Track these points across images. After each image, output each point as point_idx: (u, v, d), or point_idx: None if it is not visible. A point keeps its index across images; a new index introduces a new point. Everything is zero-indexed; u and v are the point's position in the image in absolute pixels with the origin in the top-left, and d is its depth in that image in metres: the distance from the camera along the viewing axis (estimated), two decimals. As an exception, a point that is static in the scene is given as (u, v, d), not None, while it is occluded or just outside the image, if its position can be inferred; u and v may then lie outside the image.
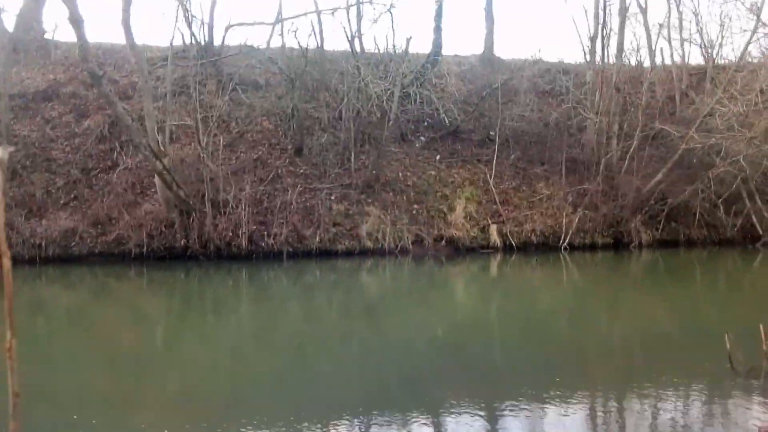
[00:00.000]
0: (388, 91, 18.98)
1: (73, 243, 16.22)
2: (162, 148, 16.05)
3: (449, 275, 15.49)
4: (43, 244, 15.99)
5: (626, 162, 18.58)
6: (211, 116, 17.82)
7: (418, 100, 20.72)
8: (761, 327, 4.97)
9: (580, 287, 13.72)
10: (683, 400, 5.83)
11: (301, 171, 18.49)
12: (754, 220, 18.51)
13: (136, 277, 15.00)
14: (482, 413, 5.50)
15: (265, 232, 16.56)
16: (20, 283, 14.38)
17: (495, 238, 17.68)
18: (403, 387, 6.32)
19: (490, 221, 18.05)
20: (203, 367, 7.29)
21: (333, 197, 17.85)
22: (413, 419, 5.34)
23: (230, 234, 16.24)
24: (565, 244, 17.70)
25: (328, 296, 12.63)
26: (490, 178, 18.97)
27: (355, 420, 5.37)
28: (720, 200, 18.35)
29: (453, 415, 5.41)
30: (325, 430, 5.19)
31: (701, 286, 13.70)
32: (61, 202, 17.29)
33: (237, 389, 6.44)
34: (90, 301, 12.46)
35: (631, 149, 18.55)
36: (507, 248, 17.56)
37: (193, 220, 16.17)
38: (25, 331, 9.46)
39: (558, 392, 5.94)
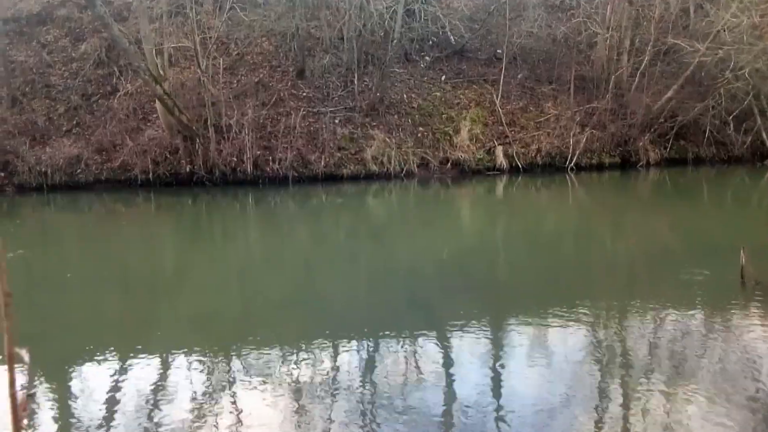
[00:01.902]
0: (391, 9, 18.32)
1: (79, 170, 16.22)
2: (161, 72, 15.73)
3: (455, 198, 15.50)
4: (48, 171, 16.00)
5: (636, 79, 18.15)
6: (210, 38, 17.35)
7: (422, 17, 20.03)
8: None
9: (586, 207, 13.73)
10: (687, 316, 5.93)
11: (304, 94, 18.17)
12: (764, 136, 18.25)
13: (144, 203, 15.09)
14: (488, 330, 5.63)
15: (270, 157, 16.48)
16: (30, 210, 14.52)
17: (501, 159, 17.55)
18: (410, 306, 6.45)
19: (496, 143, 17.86)
20: (214, 290, 7.44)
21: (337, 121, 17.62)
22: (420, 337, 5.48)
23: (235, 159, 16.18)
24: (572, 164, 17.58)
25: (334, 220, 12.70)
26: (497, 98, 18.61)
27: (363, 339, 5.51)
28: (730, 117, 18.03)
29: (459, 333, 5.54)
30: (333, 349, 5.33)
31: (708, 203, 13.68)
32: (64, 129, 17.16)
33: (247, 310, 6.59)
34: (100, 226, 12.59)
35: (642, 65, 18.06)
36: (513, 170, 17.46)
37: (197, 146, 16.07)
38: (38, 256, 9.65)
39: (563, 309, 6.05)
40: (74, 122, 17.34)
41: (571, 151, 17.66)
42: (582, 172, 17.45)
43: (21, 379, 4.72)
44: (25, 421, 4.08)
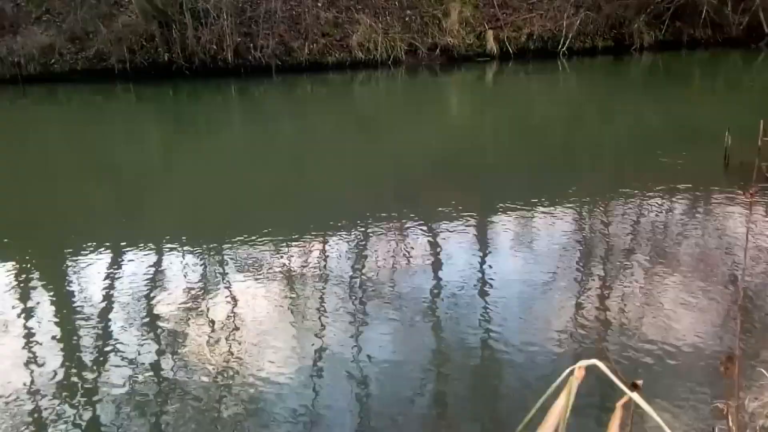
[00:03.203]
0: None
1: (53, 60, 15.58)
2: (131, -48, 14.70)
3: (443, 86, 15.17)
4: (22, 62, 15.36)
5: (635, -45, 17.23)
6: None
7: None
8: (761, 122, 4.94)
9: (576, 93, 13.52)
10: (670, 198, 6.02)
11: (285, -26, 17.16)
12: (762, 17, 17.68)
13: (123, 94, 14.66)
14: (475, 218, 5.70)
15: (251, 44, 15.84)
16: (7, 104, 14.09)
17: (492, 44, 16.99)
18: (398, 196, 6.48)
19: (486, 26, 17.20)
20: (200, 182, 7.41)
21: (320, 4, 16.79)
22: (408, 226, 5.54)
23: (214, 47, 15.54)
24: (564, 48, 17.08)
25: (320, 111, 12.46)
26: (488, -23, 17.69)
27: (352, 229, 5.57)
28: (730, -3, 17.36)
29: (446, 221, 5.61)
30: (322, 240, 5.40)
31: (700, 87, 13.50)
32: (33, 15, 16.27)
33: (235, 202, 6.60)
34: (81, 119, 12.29)
35: (642, -60, 17.08)
36: (504, 56, 16.96)
37: (173, 33, 15.37)
38: (20, 150, 9.48)
39: (549, 195, 6.11)
40: (44, 8, 16.41)
41: (564, 34, 17.10)
42: (574, 57, 17.00)
43: None
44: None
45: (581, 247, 4.99)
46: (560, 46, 17.09)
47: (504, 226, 5.53)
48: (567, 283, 4.35)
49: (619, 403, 0.75)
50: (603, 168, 7.44)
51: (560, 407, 0.76)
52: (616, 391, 0.91)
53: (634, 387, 0.90)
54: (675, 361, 3.33)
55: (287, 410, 3.07)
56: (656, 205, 5.89)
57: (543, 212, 5.75)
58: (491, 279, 4.48)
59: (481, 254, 4.96)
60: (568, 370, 0.80)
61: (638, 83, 14.33)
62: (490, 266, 4.72)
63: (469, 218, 5.66)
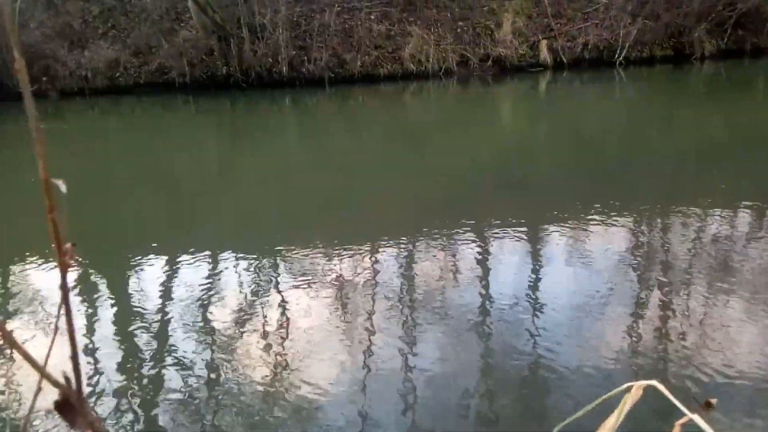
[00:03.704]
0: None
1: (118, 74, 16.30)
2: (192, -31, 15.28)
3: (495, 96, 15.07)
4: (89, 75, 16.13)
5: (696, -38, 16.76)
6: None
7: None
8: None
9: (633, 104, 13.19)
10: (733, 217, 5.79)
11: (339, -12, 17.47)
12: (834, 24, 16.88)
13: (183, 106, 15.17)
14: (526, 230, 5.63)
15: (305, 57, 16.17)
16: (77, 115, 14.80)
17: (545, 55, 16.81)
18: (449, 207, 6.47)
19: (540, 37, 17.03)
20: (255, 191, 7.58)
21: (373, 17, 17.00)
22: (458, 237, 5.52)
23: (270, 60, 15.94)
24: (621, 58, 16.72)
25: (372, 122, 12.58)
26: (542, -13, 17.53)
27: (401, 239, 5.59)
28: (798, 3, 16.65)
29: (497, 233, 5.56)
30: (372, 249, 5.44)
31: (765, 97, 12.96)
32: (100, 31, 17.08)
33: (288, 211, 6.73)
34: (143, 129, 12.79)
35: (703, -53, 16.60)
36: (557, 65, 16.74)
37: (232, 47, 15.84)
38: (87, 158, 9.93)
39: (604, 209, 5.97)
40: (109, 24, 17.21)
41: (620, 43, 16.75)
42: (631, 66, 16.61)
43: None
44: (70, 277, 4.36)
45: (637, 263, 4.85)
46: (617, 56, 16.74)
47: (557, 240, 5.43)
48: (622, 300, 4.24)
49: (679, 422, 0.74)
50: (661, 181, 7.23)
51: (609, 426, 0.75)
52: (673, 416, 0.90)
53: (707, 406, 0.87)
54: (736, 384, 3.19)
55: (334, 419, 3.10)
56: (718, 220, 5.68)
57: (597, 226, 5.63)
58: (542, 294, 4.41)
59: (532, 268, 4.89)
60: (623, 386, 0.79)
61: (699, 93, 13.87)
62: (542, 280, 4.64)
63: (520, 231, 5.59)
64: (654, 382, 0.83)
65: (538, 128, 11.34)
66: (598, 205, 6.09)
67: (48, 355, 0.53)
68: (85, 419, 0.46)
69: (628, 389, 0.83)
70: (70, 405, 0.47)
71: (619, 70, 16.39)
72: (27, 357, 0.44)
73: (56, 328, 0.54)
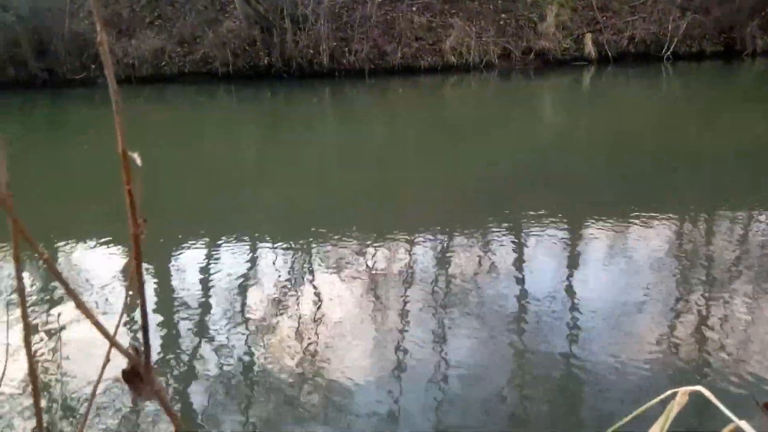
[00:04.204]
0: None
1: (163, 62, 16.64)
2: (237, -40, 15.47)
3: (537, 90, 14.87)
4: (136, 63, 16.51)
5: (751, -46, 16.16)
6: None
7: None
8: None
9: (679, 100, 12.85)
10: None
11: (381, -20, 17.44)
12: None
13: (225, 96, 15.42)
14: (565, 227, 5.56)
15: (346, 49, 16.21)
16: (124, 102, 15.16)
17: (589, 48, 16.47)
18: (486, 201, 6.43)
19: (585, 30, 16.69)
20: (293, 181, 7.67)
21: (414, 9, 16.92)
22: (496, 233, 5.50)
23: (311, 51, 16.04)
24: (669, 53, 16.27)
25: (411, 114, 12.56)
26: (589, -20, 17.17)
27: (438, 233, 5.59)
28: None
29: (535, 229, 5.51)
30: (408, 242, 5.45)
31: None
32: (147, 20, 17.46)
33: (325, 202, 6.79)
34: (187, 118, 13.05)
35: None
36: (602, 60, 16.40)
37: (274, 38, 16.00)
38: (130, 146, 10.18)
39: (645, 208, 5.85)
40: (156, 14, 17.57)
41: (668, 38, 16.30)
42: (679, 61, 16.16)
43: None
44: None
45: (677, 264, 4.75)
46: (664, 50, 16.31)
47: (595, 238, 5.35)
48: (660, 302, 4.15)
49: (726, 429, 0.73)
50: (705, 181, 7.03)
51: None
52: (712, 422, 0.89)
53: (766, 408, 0.86)
54: (779, 390, 3.11)
55: (365, 407, 3.14)
56: (763, 223, 5.51)
57: (637, 225, 5.52)
58: (579, 292, 4.36)
59: (569, 266, 4.84)
60: (668, 392, 0.79)
61: (749, 91, 13.41)
62: (579, 279, 4.59)
63: (558, 228, 5.53)
64: (700, 388, 0.83)
65: (580, 124, 11.15)
66: (638, 205, 5.97)
67: (118, 326, 0.56)
68: (152, 388, 0.49)
69: (674, 395, 0.83)
70: (137, 374, 0.50)
71: (666, 65, 15.97)
72: (99, 327, 0.48)
73: (127, 297, 0.57)
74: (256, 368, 3.55)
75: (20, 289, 0.51)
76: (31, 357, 0.51)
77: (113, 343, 0.48)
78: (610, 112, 11.90)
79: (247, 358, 3.66)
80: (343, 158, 9.11)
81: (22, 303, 0.51)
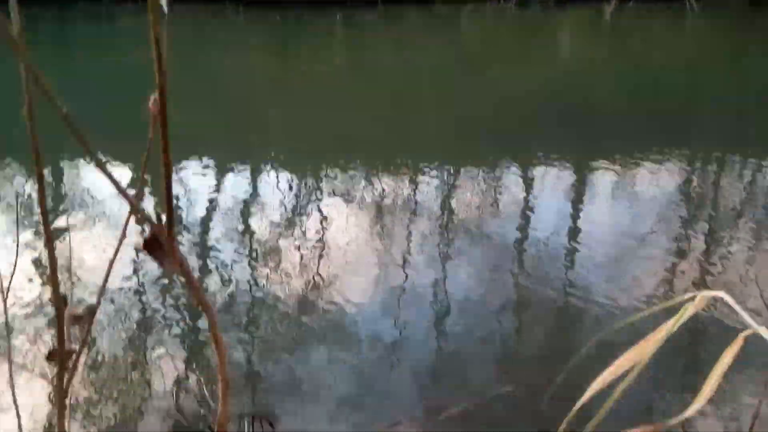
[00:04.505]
0: None
1: (170, -20, 16.11)
2: None
3: (555, 23, 14.39)
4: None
5: None
6: None
7: None
8: None
9: (703, 38, 12.44)
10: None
11: None
12: None
13: (233, 17, 15.01)
14: (574, 165, 5.50)
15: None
16: (131, 20, 14.82)
17: (612, -20, 15.81)
18: (497, 135, 6.34)
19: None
20: (302, 105, 7.54)
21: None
22: (504, 167, 5.45)
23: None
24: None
25: (424, 43, 12.21)
26: None
27: (446, 166, 5.54)
28: None
29: (544, 166, 5.45)
30: (415, 174, 5.40)
31: None
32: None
33: (335, 130, 6.66)
34: (192, 40, 12.75)
35: None
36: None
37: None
38: (135, 67, 9.99)
39: (658, 150, 5.76)
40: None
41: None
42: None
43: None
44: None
45: (684, 211, 4.70)
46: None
47: (604, 179, 5.29)
48: (662, 247, 4.11)
49: (743, 334, 0.72)
50: (724, 128, 6.87)
51: (662, 334, 0.74)
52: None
53: None
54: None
55: (366, 332, 3.18)
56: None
57: (649, 168, 5.44)
58: (581, 230, 4.34)
59: (574, 203, 4.81)
60: (688, 295, 0.77)
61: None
62: (582, 217, 4.57)
63: (567, 166, 5.47)
64: (722, 294, 0.80)
65: (598, 60, 10.85)
66: (651, 146, 5.87)
67: (140, 188, 0.53)
68: (175, 259, 0.47)
69: (692, 298, 0.81)
70: (158, 244, 0.48)
71: (691, 2, 15.36)
72: (121, 190, 0.45)
73: (148, 151, 0.54)
74: (258, 289, 3.58)
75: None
76: (47, 223, 0.49)
77: (135, 207, 0.45)
78: (630, 47, 11.56)
79: (249, 279, 3.69)
80: (352, 85, 8.93)
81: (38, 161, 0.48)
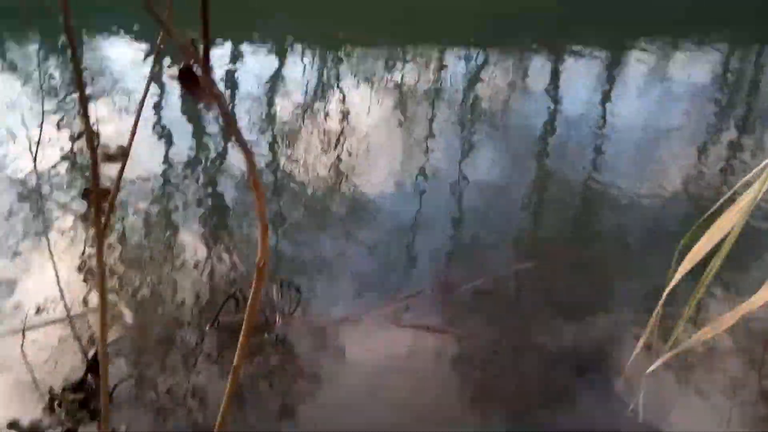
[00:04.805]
0: None
1: None
2: None
3: None
4: None
5: None
6: None
7: None
8: None
9: None
10: None
11: None
12: None
13: None
14: (606, 54, 5.25)
15: None
16: None
17: None
18: (520, 22, 5.83)
19: None
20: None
21: None
22: (534, 53, 5.17)
23: None
24: None
25: None
26: None
27: (469, 49, 5.21)
28: None
29: (574, 54, 5.21)
30: (439, 57, 5.15)
31: None
32: None
33: (353, 9, 6.17)
34: None
35: None
36: None
37: None
38: None
39: (692, 41, 5.40)
40: None
41: None
42: None
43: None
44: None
45: (713, 104, 4.47)
46: None
47: (635, 69, 5.01)
48: (688, 138, 3.96)
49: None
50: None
51: (749, 198, 0.69)
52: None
53: None
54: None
55: (387, 218, 3.11)
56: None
57: (682, 59, 5.15)
58: (607, 118, 4.17)
59: (604, 92, 4.60)
60: (765, 163, 0.72)
61: None
62: (611, 104, 4.39)
63: (598, 55, 5.18)
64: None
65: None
66: (685, 36, 5.48)
67: (169, 7, 0.48)
68: (210, 91, 0.43)
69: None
70: (193, 76, 0.44)
71: None
72: (150, 9, 0.40)
73: None
74: (279, 173, 3.48)
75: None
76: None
77: (167, 28, 0.40)
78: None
79: (271, 163, 3.59)
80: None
81: None
